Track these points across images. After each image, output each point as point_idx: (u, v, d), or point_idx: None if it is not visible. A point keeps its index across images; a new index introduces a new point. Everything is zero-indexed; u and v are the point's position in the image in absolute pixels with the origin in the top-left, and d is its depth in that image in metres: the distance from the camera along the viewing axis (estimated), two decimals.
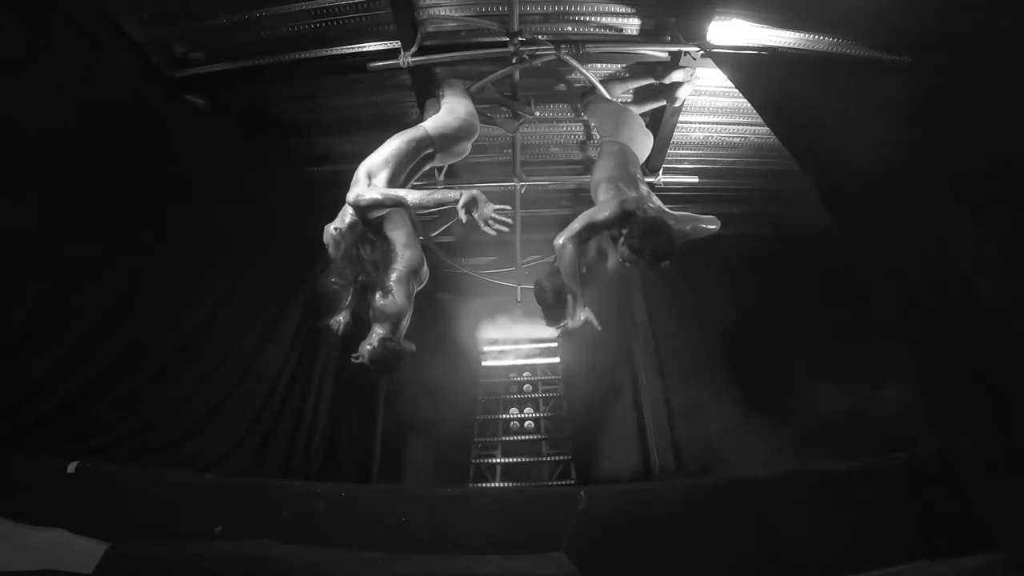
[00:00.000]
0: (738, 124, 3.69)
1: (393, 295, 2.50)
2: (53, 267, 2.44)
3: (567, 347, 5.52)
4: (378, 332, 2.54)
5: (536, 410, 5.13)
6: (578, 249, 2.50)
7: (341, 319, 2.46)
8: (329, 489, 2.32)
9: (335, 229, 2.37)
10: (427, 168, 2.48)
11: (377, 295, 2.45)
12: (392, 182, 2.28)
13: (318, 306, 2.39)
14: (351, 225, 2.32)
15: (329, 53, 3.00)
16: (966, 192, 1.69)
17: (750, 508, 1.95)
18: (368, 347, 2.52)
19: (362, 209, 2.21)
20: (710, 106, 3.54)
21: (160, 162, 2.91)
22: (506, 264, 4.78)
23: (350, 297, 2.33)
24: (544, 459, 4.68)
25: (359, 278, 2.31)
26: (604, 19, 2.94)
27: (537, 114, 3.50)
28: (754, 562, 1.82)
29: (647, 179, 3.64)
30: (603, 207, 2.46)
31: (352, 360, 2.50)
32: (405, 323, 2.65)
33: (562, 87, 3.44)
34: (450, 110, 2.59)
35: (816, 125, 2.26)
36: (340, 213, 2.42)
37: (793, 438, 3.71)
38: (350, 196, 2.22)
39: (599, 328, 2.57)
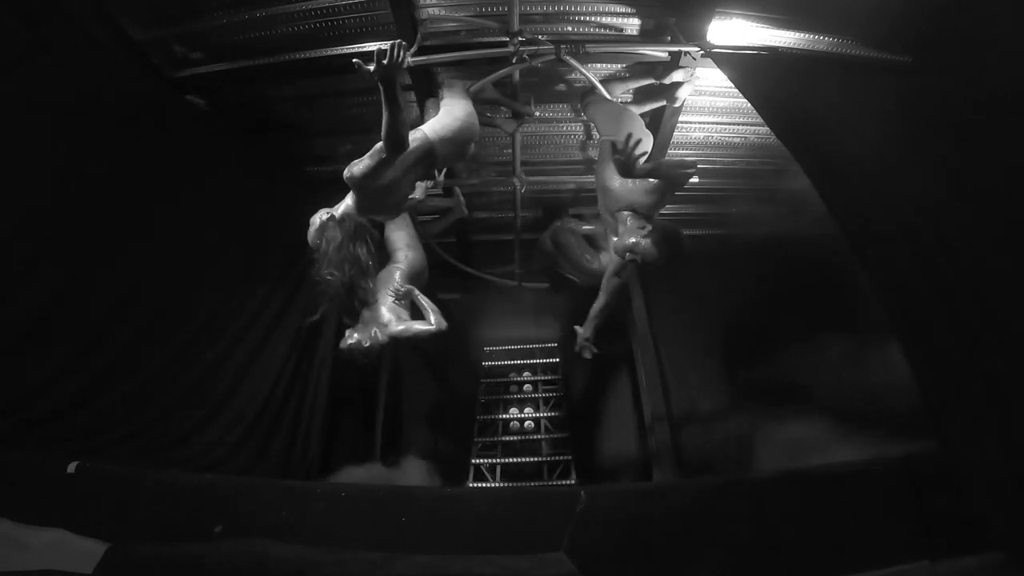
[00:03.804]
0: (738, 124, 3.69)
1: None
2: (53, 267, 2.44)
3: (567, 347, 5.53)
4: (379, 337, 2.56)
5: (536, 410, 5.13)
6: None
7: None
8: (329, 489, 2.32)
9: (326, 213, 2.33)
10: (429, 170, 2.47)
11: (359, 303, 2.43)
12: (393, 184, 2.27)
13: (315, 299, 2.35)
14: (345, 214, 2.29)
15: (329, 53, 3.00)
16: (967, 192, 1.69)
17: (750, 508, 1.94)
18: (362, 340, 2.51)
19: (358, 179, 2.14)
20: (710, 106, 3.54)
21: (160, 162, 2.91)
22: (505, 264, 4.79)
23: (342, 291, 2.30)
24: (544, 459, 4.68)
25: (350, 273, 2.27)
26: (604, 19, 2.94)
27: (537, 114, 3.50)
28: (754, 562, 1.82)
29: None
30: (651, 204, 2.55)
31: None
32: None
33: (562, 87, 3.44)
34: (449, 111, 2.58)
35: (816, 125, 2.26)
36: (339, 203, 2.39)
37: (793, 437, 3.71)
38: (346, 172, 2.17)
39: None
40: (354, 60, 1.88)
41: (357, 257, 2.28)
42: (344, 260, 2.25)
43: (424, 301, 2.85)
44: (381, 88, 1.90)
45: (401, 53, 1.85)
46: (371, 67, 1.84)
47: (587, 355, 3.18)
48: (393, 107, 1.94)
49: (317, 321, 2.36)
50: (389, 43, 1.83)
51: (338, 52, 3.00)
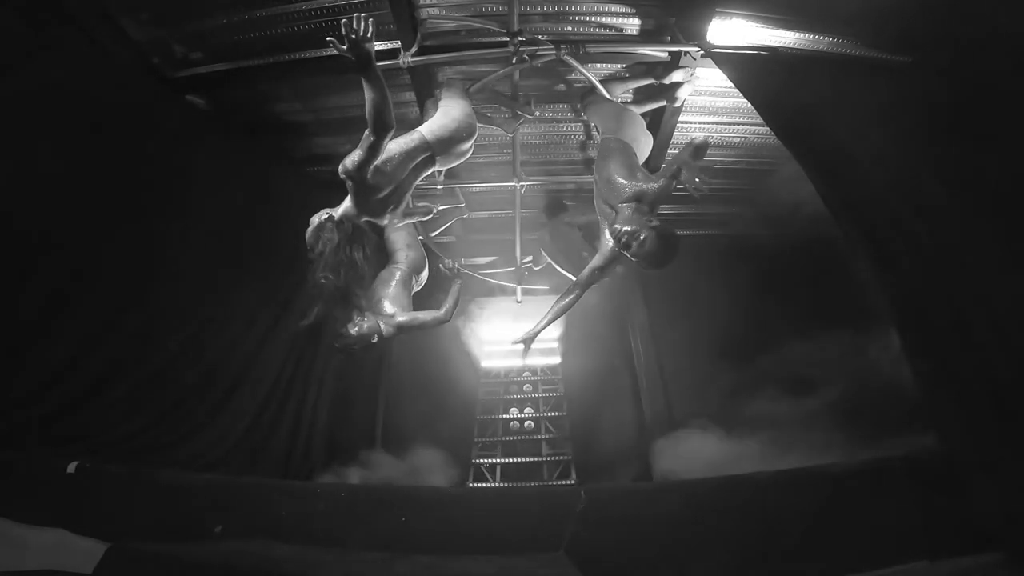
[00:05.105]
0: (738, 124, 3.70)
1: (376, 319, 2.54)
2: (53, 267, 2.44)
3: (567, 347, 5.53)
4: (384, 329, 2.56)
5: (536, 410, 5.14)
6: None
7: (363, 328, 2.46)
8: (329, 489, 2.32)
9: (326, 214, 2.30)
10: (429, 172, 2.46)
11: (355, 309, 2.42)
12: (390, 183, 2.26)
13: (309, 303, 2.31)
14: (344, 216, 2.27)
15: (329, 53, 2.99)
16: (967, 191, 1.69)
17: (750, 508, 1.94)
18: (371, 333, 2.51)
19: (351, 171, 2.10)
20: (710, 106, 3.54)
21: (160, 162, 2.91)
22: (506, 264, 4.79)
23: (337, 295, 2.27)
24: (544, 459, 4.68)
25: (346, 278, 2.24)
26: (604, 19, 2.94)
27: (537, 114, 3.50)
28: (754, 562, 1.82)
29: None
30: (657, 186, 2.43)
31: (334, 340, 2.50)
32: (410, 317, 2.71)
33: (562, 87, 3.44)
34: (445, 112, 2.57)
35: (816, 124, 2.26)
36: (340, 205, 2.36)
37: (793, 437, 3.71)
38: (340, 167, 2.13)
39: None
40: (328, 39, 1.84)
41: (354, 261, 2.24)
42: (340, 263, 2.21)
43: (455, 291, 2.97)
44: (358, 66, 1.85)
45: (364, 24, 1.79)
46: (344, 47, 1.81)
47: (524, 354, 3.07)
48: (373, 84, 1.89)
49: (312, 324, 2.31)
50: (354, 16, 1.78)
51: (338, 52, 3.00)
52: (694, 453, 4.07)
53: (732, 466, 3.77)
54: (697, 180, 2.20)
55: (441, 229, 4.28)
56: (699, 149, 2.25)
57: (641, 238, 2.38)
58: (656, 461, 4.21)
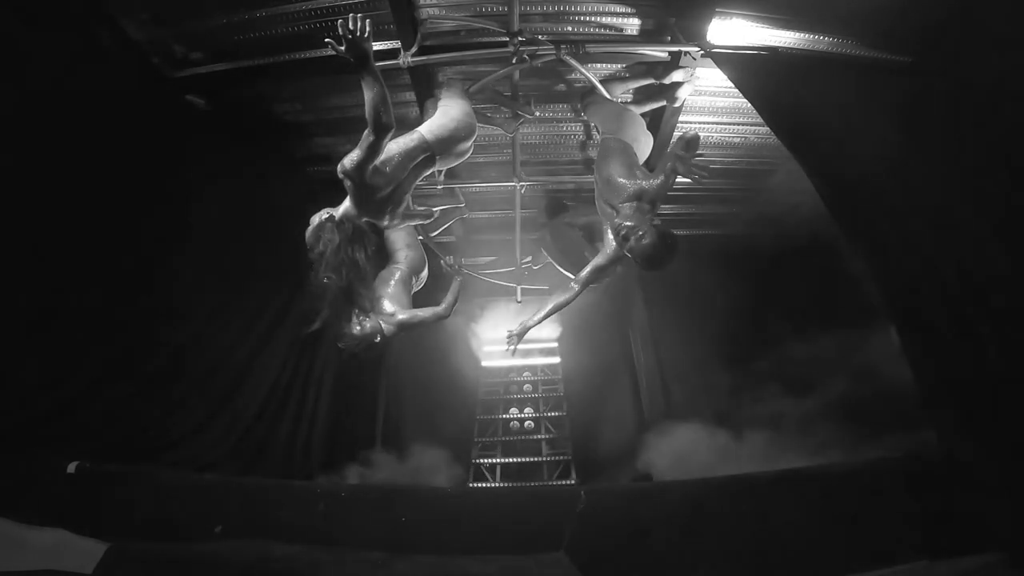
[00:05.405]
0: (738, 124, 3.69)
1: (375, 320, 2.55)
2: (53, 267, 2.44)
3: (567, 347, 5.54)
4: (385, 328, 2.57)
5: (536, 410, 5.14)
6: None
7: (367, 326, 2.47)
8: (329, 489, 2.32)
9: (326, 214, 2.30)
10: (429, 172, 2.46)
11: (356, 312, 2.42)
12: (390, 183, 2.26)
13: (312, 304, 2.31)
14: (345, 216, 2.27)
15: (329, 53, 2.99)
16: (967, 191, 1.69)
17: (750, 508, 1.94)
18: (373, 333, 2.52)
19: (350, 171, 2.09)
20: (710, 106, 3.54)
21: (160, 162, 2.92)
22: (506, 264, 4.80)
23: (340, 296, 2.26)
24: (544, 459, 4.69)
25: (348, 278, 2.24)
26: (604, 19, 2.94)
27: (537, 114, 3.50)
28: (754, 562, 1.82)
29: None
30: (657, 183, 2.44)
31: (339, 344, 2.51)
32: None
33: (562, 87, 3.44)
34: (444, 112, 2.57)
35: (816, 124, 2.26)
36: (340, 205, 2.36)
37: (793, 437, 3.71)
38: (339, 167, 2.13)
39: None
40: (326, 40, 1.85)
41: (355, 261, 2.23)
42: (342, 264, 2.21)
43: (455, 287, 3.02)
44: (356, 65, 1.86)
45: (362, 24, 1.81)
46: (342, 48, 1.82)
47: (514, 345, 3.01)
48: (371, 84, 1.91)
49: (316, 329, 2.31)
50: (350, 16, 1.79)
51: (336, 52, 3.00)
52: (693, 453, 4.07)
53: (732, 466, 3.78)
54: (695, 170, 2.23)
55: (441, 229, 4.27)
56: (691, 143, 2.26)
57: (641, 234, 2.39)
58: (655, 460, 4.21)
